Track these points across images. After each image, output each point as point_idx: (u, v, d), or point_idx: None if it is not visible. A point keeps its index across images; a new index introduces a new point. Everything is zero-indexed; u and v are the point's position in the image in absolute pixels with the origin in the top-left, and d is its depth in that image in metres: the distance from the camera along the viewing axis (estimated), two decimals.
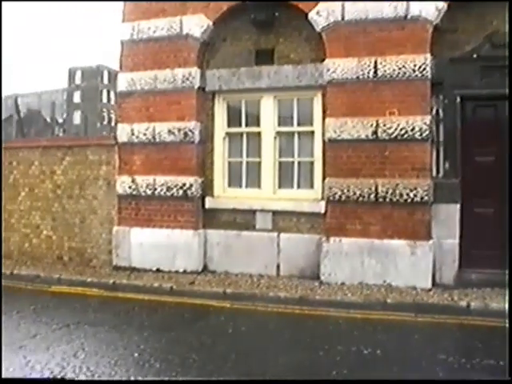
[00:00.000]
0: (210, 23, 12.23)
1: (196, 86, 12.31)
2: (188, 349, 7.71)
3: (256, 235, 12.02)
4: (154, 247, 12.39)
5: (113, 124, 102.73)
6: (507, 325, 8.25)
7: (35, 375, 6.72)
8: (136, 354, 7.44)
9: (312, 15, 11.44)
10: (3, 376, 6.55)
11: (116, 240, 12.86)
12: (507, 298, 9.54)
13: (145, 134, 12.58)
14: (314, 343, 7.88)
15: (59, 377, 6.66)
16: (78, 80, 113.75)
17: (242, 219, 12.18)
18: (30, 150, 14.25)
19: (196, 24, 12.28)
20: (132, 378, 6.66)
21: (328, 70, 11.29)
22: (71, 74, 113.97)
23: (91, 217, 13.35)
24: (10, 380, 6.54)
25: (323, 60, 11.41)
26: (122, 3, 13.23)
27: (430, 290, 10.47)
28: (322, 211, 11.45)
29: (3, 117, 18.03)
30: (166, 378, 6.67)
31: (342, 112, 11.20)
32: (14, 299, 10.93)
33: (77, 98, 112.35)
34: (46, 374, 6.72)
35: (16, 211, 14.27)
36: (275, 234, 11.90)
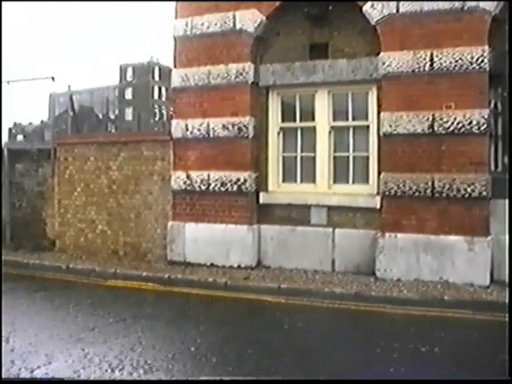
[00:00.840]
0: (264, 18, 12.19)
1: (250, 81, 12.29)
2: (244, 344, 7.72)
3: (311, 230, 11.95)
4: (209, 242, 12.43)
5: (164, 120, 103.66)
6: (507, 324, 8.06)
7: (93, 368, 6.81)
8: (192, 349, 7.47)
9: (366, 8, 11.32)
10: (3, 376, 6.59)
11: (170, 235, 12.93)
12: (507, 297, 9.44)
13: (199, 130, 12.62)
14: (370, 340, 7.80)
15: (117, 370, 6.73)
16: (129, 77, 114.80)
17: (297, 214, 12.13)
18: (85, 145, 14.45)
19: (249, 19, 12.26)
20: (189, 375, 6.68)
21: (383, 63, 11.16)
22: (123, 71, 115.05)
23: (146, 212, 13.45)
24: (10, 380, 6.59)
25: (378, 53, 11.28)
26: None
27: (488, 287, 10.26)
28: (378, 206, 11.34)
29: (57, 113, 18.23)
30: (165, 378, 6.66)
31: (397, 106, 11.06)
32: (71, 293, 11.11)
33: (128, 94, 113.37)
34: (105, 367, 6.81)
35: (72, 206, 14.48)
36: (330, 230, 11.81)
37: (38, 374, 6.64)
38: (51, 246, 14.72)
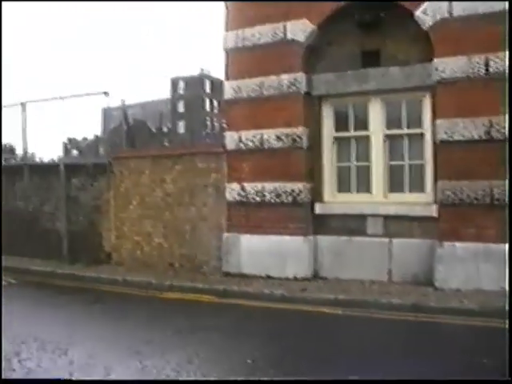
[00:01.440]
0: (314, 27, 12.15)
1: (302, 91, 12.25)
2: (301, 356, 7.66)
3: (367, 240, 11.82)
4: (264, 254, 12.38)
5: (216, 132, 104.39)
6: (507, 325, 7.91)
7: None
8: (249, 361, 7.41)
9: (418, 14, 11.17)
10: (3, 377, 6.61)
11: (226, 247, 12.95)
12: (507, 297, 9.26)
13: (252, 141, 12.62)
14: (431, 352, 7.63)
15: None
16: (181, 90, 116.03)
17: (353, 224, 12.00)
18: (140, 159, 14.60)
19: (300, 29, 12.23)
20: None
21: (437, 69, 10.98)
22: (174, 84, 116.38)
23: (201, 224, 13.48)
24: (10, 380, 6.61)
25: (431, 59, 11.10)
26: (224, 12, 13.31)
27: None
28: (435, 215, 11.14)
29: (110, 127, 18.59)
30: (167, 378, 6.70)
31: (452, 112, 10.86)
32: (127, 305, 11.24)
33: (180, 107, 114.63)
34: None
35: (128, 219, 14.63)
36: (387, 240, 11.65)
37: None
38: (107, 258, 14.88)
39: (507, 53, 10.28)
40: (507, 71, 10.36)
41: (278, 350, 8.02)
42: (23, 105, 17.17)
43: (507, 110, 10.38)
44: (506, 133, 10.39)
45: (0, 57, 35.56)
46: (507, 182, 10.32)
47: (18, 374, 7.05)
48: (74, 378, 6.71)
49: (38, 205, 16.67)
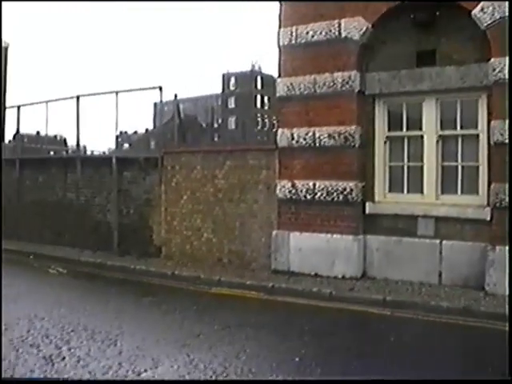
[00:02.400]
0: (369, 25, 12.04)
1: (356, 90, 12.17)
2: (349, 356, 7.63)
3: (417, 242, 11.67)
4: (313, 252, 12.36)
5: (267, 129, 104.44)
6: (507, 326, 7.85)
7: (198, 374, 6.87)
8: (297, 359, 7.42)
9: (476, 12, 10.96)
10: (3, 376, 6.66)
11: (275, 244, 12.94)
12: (507, 298, 9.17)
13: (305, 139, 12.58)
14: (480, 358, 7.53)
15: (221, 377, 6.77)
16: (232, 86, 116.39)
17: (403, 225, 11.87)
18: (192, 154, 14.70)
19: (355, 27, 12.15)
20: None
21: (494, 69, 10.78)
22: (225, 80, 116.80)
23: (251, 220, 13.51)
24: (10, 380, 6.66)
25: (488, 59, 10.90)
26: (278, 9, 13.30)
27: None
28: (488, 218, 10.94)
29: (163, 121, 18.68)
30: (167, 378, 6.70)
31: (509, 113, 10.66)
32: (176, 299, 11.32)
33: (231, 103, 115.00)
34: (209, 374, 6.86)
35: (178, 214, 14.74)
36: (437, 241, 11.49)
37: (145, 377, 6.78)
38: (157, 252, 15.02)
39: (507, 54, 10.20)
40: (507, 73, 10.33)
41: (326, 348, 8.01)
42: (78, 98, 17.43)
43: (507, 112, 10.31)
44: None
45: (0, 56, 36.13)
46: (507, 182, 10.25)
47: (68, 362, 7.18)
48: (74, 378, 6.75)
49: (89, 197, 16.92)
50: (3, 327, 8.61)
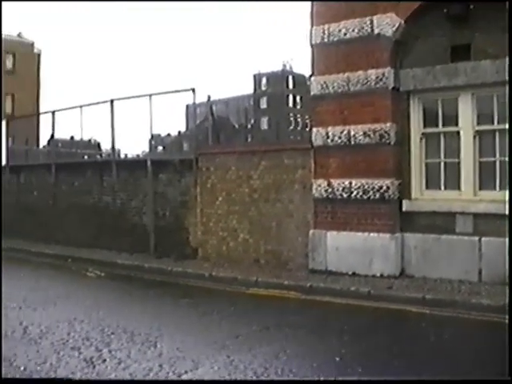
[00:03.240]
0: (402, 21, 11.95)
1: (390, 87, 12.08)
2: (389, 355, 7.55)
3: (456, 239, 11.53)
4: (350, 251, 12.30)
5: (300, 128, 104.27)
6: (507, 324, 7.70)
7: (239, 375, 6.86)
8: (337, 359, 7.37)
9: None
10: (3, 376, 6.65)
11: (312, 243, 12.89)
12: (507, 296, 9.07)
13: (340, 137, 12.53)
14: None
15: (262, 378, 6.74)
16: (263, 86, 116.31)
17: (441, 222, 11.73)
18: (226, 155, 14.74)
19: (387, 23, 12.06)
20: None
21: None
22: (257, 80, 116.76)
23: (287, 220, 13.48)
24: (10, 380, 6.65)
25: None
26: (309, 7, 13.25)
27: None
28: None
29: (196, 123, 18.74)
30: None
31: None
32: (214, 300, 11.36)
33: (263, 103, 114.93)
34: (250, 374, 6.84)
35: (214, 215, 14.77)
36: (476, 238, 11.33)
37: (185, 378, 6.77)
38: (194, 254, 15.06)
39: (507, 54, 10.12)
40: (507, 74, 10.28)
41: (366, 348, 7.94)
42: (112, 102, 17.55)
43: (508, 113, 10.31)
44: None
45: (0, 55, 36.33)
46: (507, 183, 10.22)
47: (109, 364, 7.22)
48: (75, 378, 6.77)
49: (125, 200, 17.04)
50: (43, 330, 8.70)
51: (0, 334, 8.16)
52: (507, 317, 8.25)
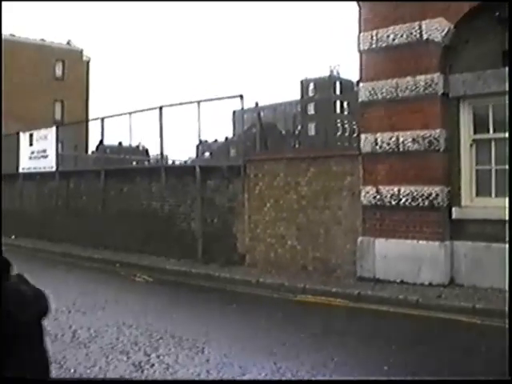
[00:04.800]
0: (451, 26, 11.81)
1: (439, 93, 11.94)
2: (439, 366, 7.45)
3: (507, 248, 11.30)
4: (399, 258, 12.15)
5: (346, 134, 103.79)
6: (507, 325, 7.58)
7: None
8: (386, 368, 7.31)
9: None
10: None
11: (360, 251, 12.80)
12: (507, 296, 8.99)
13: (388, 144, 12.43)
14: None
15: None
16: (310, 92, 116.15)
17: (492, 230, 11.48)
18: (274, 162, 14.74)
19: (436, 28, 11.93)
20: None
21: None
22: (304, 86, 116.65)
23: (335, 227, 13.41)
24: (10, 380, 6.63)
25: None
26: (357, 13, 13.21)
27: None
28: None
29: (242, 129, 18.83)
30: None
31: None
32: (261, 307, 11.38)
33: (311, 109, 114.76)
34: None
35: (262, 222, 14.79)
36: None
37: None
38: (241, 260, 15.09)
39: (508, 53, 10.01)
40: (507, 74, 10.15)
41: (415, 357, 7.86)
42: (160, 108, 17.72)
43: (507, 113, 10.15)
44: None
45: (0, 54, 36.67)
46: (507, 183, 10.05)
47: (157, 369, 7.28)
48: (74, 378, 6.78)
49: (173, 206, 17.15)
50: (92, 333, 8.82)
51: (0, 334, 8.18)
52: (507, 320, 8.20)
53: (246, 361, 7.58)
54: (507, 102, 10.27)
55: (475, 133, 12.04)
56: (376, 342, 8.52)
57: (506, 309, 8.73)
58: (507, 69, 10.67)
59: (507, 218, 10.68)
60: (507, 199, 10.52)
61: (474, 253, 11.66)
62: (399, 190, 12.27)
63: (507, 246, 10.27)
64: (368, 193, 12.70)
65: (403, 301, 10.89)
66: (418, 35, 12.18)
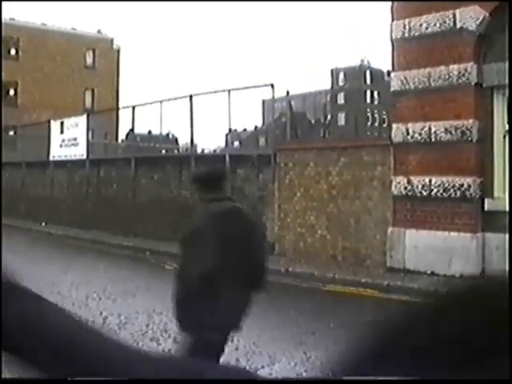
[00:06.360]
0: (486, 14, 11.67)
1: (473, 82, 11.81)
2: None
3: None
4: (429, 250, 12.04)
5: (376, 124, 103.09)
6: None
7: (316, 372, 6.81)
8: None
9: None
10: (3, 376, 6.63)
11: (390, 241, 12.73)
12: (508, 296, 8.21)
13: (420, 134, 12.32)
14: None
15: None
16: (341, 81, 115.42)
17: None
18: (305, 151, 14.71)
19: (471, 16, 11.79)
20: None
21: None
22: (334, 76, 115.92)
23: (366, 217, 13.35)
24: (10, 380, 6.61)
25: None
26: (389, 1, 13.10)
27: None
28: None
29: (272, 118, 18.77)
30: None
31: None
32: (290, 296, 11.32)
33: (340, 99, 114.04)
34: (326, 372, 6.77)
35: (292, 211, 14.76)
36: None
37: (262, 374, 6.74)
38: (271, 249, 15.02)
39: (507, 54, 9.92)
40: (507, 74, 10.08)
41: None
42: (191, 97, 17.73)
43: (507, 112, 10.12)
44: None
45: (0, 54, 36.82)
46: (507, 181, 10.03)
47: None
48: (76, 378, 6.78)
49: None
50: (123, 320, 8.86)
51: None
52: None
53: (275, 350, 7.56)
54: (507, 97, 10.12)
55: (509, 123, 11.88)
56: None
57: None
58: (507, 65, 10.48)
59: (507, 209, 10.74)
60: (507, 194, 10.63)
61: (506, 245, 11.51)
62: (431, 181, 12.17)
63: (507, 237, 10.28)
64: (399, 183, 12.61)
65: (433, 293, 10.75)
66: (451, 24, 12.06)
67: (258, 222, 3.92)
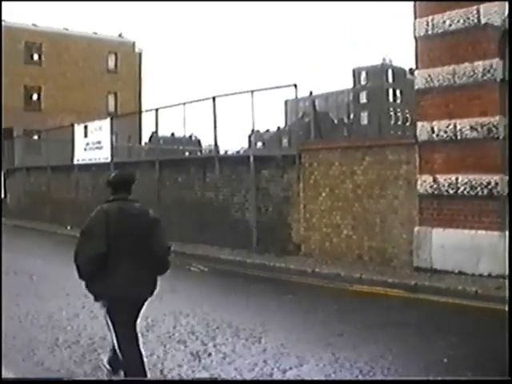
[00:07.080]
0: None
1: (498, 79, 11.66)
2: (501, 360, 7.23)
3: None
4: (457, 248, 11.93)
5: (399, 123, 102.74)
6: (507, 323, 7.35)
7: (344, 373, 6.79)
8: (445, 360, 7.19)
9: None
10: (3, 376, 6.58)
11: (417, 240, 12.62)
12: (507, 295, 8.86)
13: (445, 132, 12.20)
14: None
15: (368, 377, 6.64)
16: (362, 80, 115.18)
17: None
18: (329, 151, 14.65)
19: (495, 12, 11.65)
20: None
21: None
22: (356, 75, 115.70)
23: (391, 217, 13.25)
24: (10, 380, 6.57)
25: None
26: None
27: None
28: None
29: (295, 118, 18.79)
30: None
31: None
32: (317, 297, 11.33)
33: (363, 98, 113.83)
34: (356, 373, 6.76)
35: (317, 211, 14.71)
36: None
37: (291, 375, 6.76)
38: (296, 250, 15.05)
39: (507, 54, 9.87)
40: (507, 73, 10.05)
41: (475, 350, 7.69)
42: (214, 99, 17.74)
43: (507, 111, 10.08)
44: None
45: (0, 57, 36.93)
46: (508, 179, 9.94)
47: (214, 359, 7.28)
48: (74, 379, 6.76)
49: (227, 195, 17.20)
50: (150, 322, 8.86)
51: (0, 334, 7.88)
52: (507, 312, 8.23)
53: (303, 351, 7.54)
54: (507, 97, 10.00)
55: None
56: (434, 334, 8.38)
57: (506, 308, 8.67)
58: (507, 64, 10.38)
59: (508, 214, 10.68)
60: (507, 190, 10.59)
61: None
62: (457, 179, 12.05)
63: (507, 233, 10.28)
64: (425, 182, 12.51)
65: (462, 292, 10.71)
66: (475, 20, 11.93)
67: (154, 217, 6.15)
